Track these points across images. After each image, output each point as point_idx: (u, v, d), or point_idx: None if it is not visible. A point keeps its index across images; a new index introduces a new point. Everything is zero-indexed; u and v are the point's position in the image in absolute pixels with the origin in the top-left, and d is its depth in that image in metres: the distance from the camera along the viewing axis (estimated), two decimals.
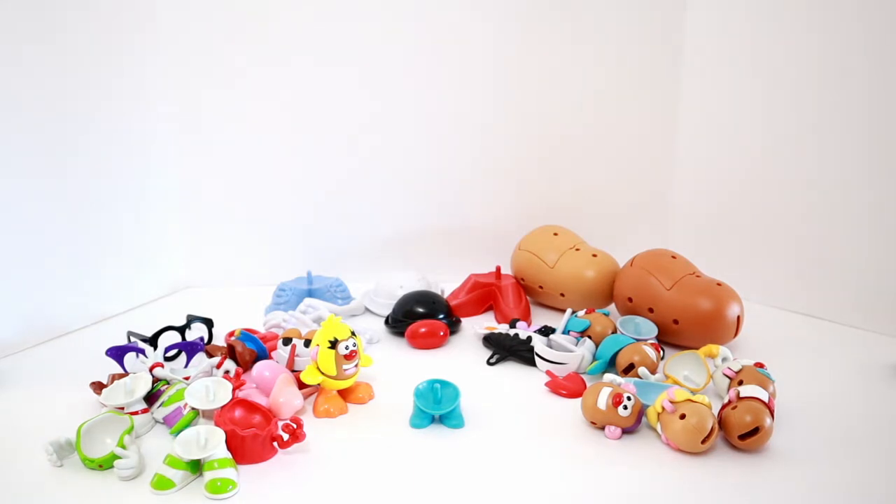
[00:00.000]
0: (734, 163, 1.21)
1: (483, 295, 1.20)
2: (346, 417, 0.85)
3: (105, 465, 0.72)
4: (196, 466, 0.71)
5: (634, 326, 1.03)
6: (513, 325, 1.05)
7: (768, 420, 0.74)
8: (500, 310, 1.17)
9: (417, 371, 0.92)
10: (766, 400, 0.77)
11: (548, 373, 0.95)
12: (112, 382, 0.84)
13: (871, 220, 1.06)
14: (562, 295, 1.16)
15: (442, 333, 1.06)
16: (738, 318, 1.00)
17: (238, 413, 0.79)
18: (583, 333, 1.01)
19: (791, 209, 1.14)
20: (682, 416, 0.75)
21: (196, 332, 1.03)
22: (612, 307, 1.14)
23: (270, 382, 0.86)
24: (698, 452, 0.75)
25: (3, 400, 0.89)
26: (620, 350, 0.93)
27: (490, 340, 1.04)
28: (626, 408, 0.78)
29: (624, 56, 1.25)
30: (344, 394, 0.88)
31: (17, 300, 1.03)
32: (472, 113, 1.28)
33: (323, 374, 0.85)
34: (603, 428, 0.80)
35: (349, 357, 0.85)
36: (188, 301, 1.24)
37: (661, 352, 0.94)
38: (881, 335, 1.05)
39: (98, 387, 0.86)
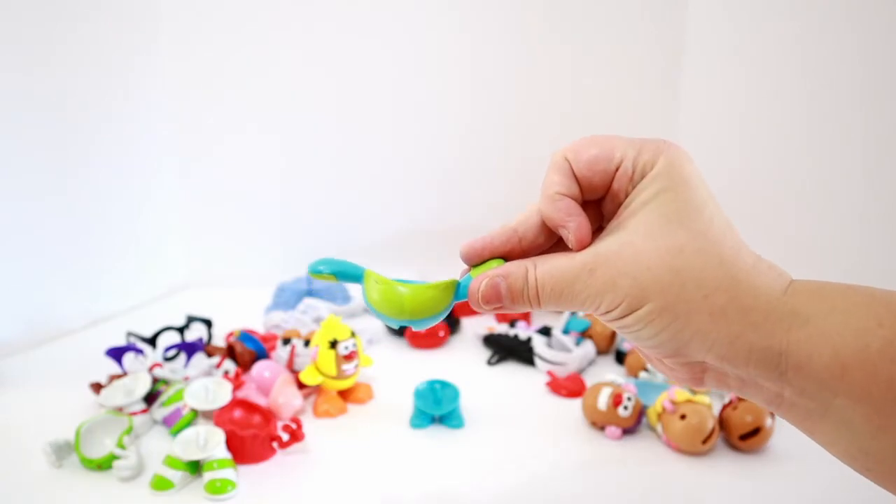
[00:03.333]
0: (734, 163, 1.20)
1: None
2: (345, 418, 0.85)
3: (104, 465, 0.72)
4: (195, 467, 0.71)
5: None
6: (513, 325, 1.05)
7: (769, 420, 0.74)
8: None
9: (417, 371, 0.92)
10: None
11: (548, 373, 0.95)
12: (111, 383, 0.84)
13: (872, 219, 1.05)
14: None
15: (442, 333, 1.06)
16: None
17: (238, 413, 0.79)
18: (583, 333, 1.01)
19: (791, 210, 1.14)
20: (683, 417, 0.75)
21: (195, 332, 1.03)
22: None
23: (270, 382, 0.86)
24: (698, 453, 0.75)
25: (3, 400, 0.89)
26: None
27: (490, 340, 1.04)
28: (626, 408, 0.78)
29: (624, 56, 1.25)
30: (344, 394, 0.88)
31: (17, 300, 1.03)
32: (472, 113, 1.28)
33: (323, 374, 0.85)
34: (603, 428, 0.80)
35: (349, 357, 0.85)
36: (188, 301, 1.24)
37: None
38: None
39: (97, 387, 0.86)
